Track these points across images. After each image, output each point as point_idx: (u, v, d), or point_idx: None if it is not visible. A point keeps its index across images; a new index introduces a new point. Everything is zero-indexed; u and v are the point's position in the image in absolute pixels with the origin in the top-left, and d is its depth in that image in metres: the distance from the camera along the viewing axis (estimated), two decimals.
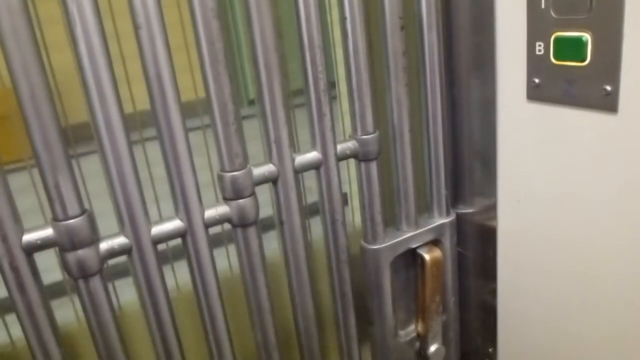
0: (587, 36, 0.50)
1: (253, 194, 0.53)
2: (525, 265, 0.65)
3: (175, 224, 0.51)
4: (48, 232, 0.46)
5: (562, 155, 0.56)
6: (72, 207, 0.45)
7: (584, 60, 0.51)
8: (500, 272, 0.69)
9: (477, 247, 0.70)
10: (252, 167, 0.53)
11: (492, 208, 0.67)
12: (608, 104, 0.50)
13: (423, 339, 0.70)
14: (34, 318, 0.47)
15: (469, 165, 0.67)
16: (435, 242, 0.68)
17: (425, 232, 0.67)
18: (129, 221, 0.49)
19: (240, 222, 0.53)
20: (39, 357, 0.48)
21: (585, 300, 0.59)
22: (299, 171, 0.56)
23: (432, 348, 0.69)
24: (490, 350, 0.73)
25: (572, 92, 0.53)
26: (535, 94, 0.57)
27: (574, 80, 0.53)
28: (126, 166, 0.47)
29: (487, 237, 0.69)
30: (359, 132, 0.59)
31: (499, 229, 0.67)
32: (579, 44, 0.51)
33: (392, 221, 0.67)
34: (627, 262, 0.53)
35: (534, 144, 0.59)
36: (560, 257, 0.60)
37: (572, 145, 0.55)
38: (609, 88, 0.50)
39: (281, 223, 0.57)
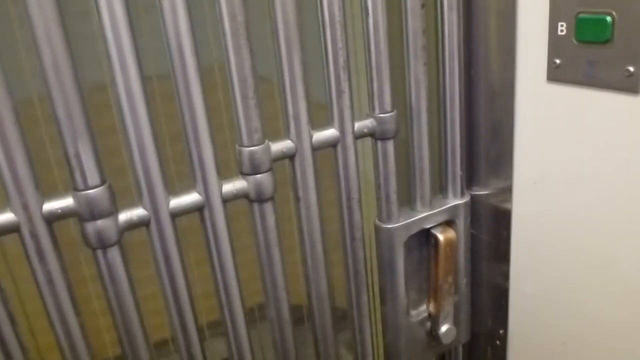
0: (611, 16, 0.50)
1: (271, 169, 0.53)
2: (539, 248, 0.65)
3: (193, 197, 0.51)
4: (68, 201, 0.46)
5: (581, 137, 0.56)
6: (93, 177, 0.45)
7: (607, 40, 0.51)
8: (513, 254, 0.69)
9: (491, 229, 0.70)
10: (269, 143, 0.53)
11: (507, 190, 0.66)
12: (630, 85, 0.50)
13: (434, 319, 0.70)
14: (53, 287, 0.47)
15: (485, 146, 0.66)
16: (449, 223, 0.68)
17: (440, 212, 0.66)
18: (147, 193, 0.49)
19: (258, 197, 0.53)
20: (57, 326, 0.49)
21: (602, 284, 0.59)
22: (316, 148, 0.56)
23: (443, 328, 0.70)
24: (500, 332, 0.74)
25: (594, 73, 0.53)
26: (556, 75, 0.56)
27: (596, 61, 0.52)
28: (146, 137, 0.47)
29: (501, 219, 0.68)
30: (377, 111, 0.59)
31: (513, 211, 0.67)
32: (603, 24, 0.50)
33: (407, 201, 0.67)
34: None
35: (552, 125, 0.58)
36: (576, 241, 0.60)
37: (592, 128, 0.55)
38: (631, 69, 0.49)
39: (297, 199, 0.57)
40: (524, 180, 0.64)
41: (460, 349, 0.79)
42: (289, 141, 0.54)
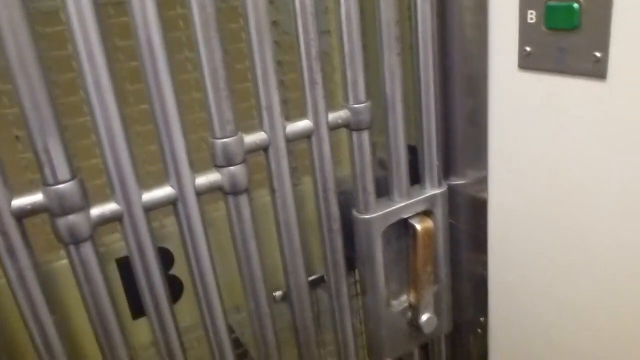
0: (578, 3, 0.50)
1: (244, 161, 0.53)
2: (516, 236, 0.65)
3: (166, 190, 0.51)
4: (38, 197, 0.45)
5: (554, 124, 0.56)
6: (62, 172, 0.45)
7: (575, 27, 0.51)
8: (490, 243, 0.69)
9: (469, 219, 0.71)
10: (243, 135, 0.53)
11: (483, 179, 0.67)
12: (598, 70, 0.50)
13: (415, 309, 0.70)
14: (25, 284, 0.47)
15: (460, 136, 0.67)
16: (427, 213, 0.68)
17: (417, 202, 0.67)
18: (119, 187, 0.48)
19: (232, 190, 0.53)
20: (31, 324, 0.48)
21: (580, 269, 0.59)
22: (290, 139, 0.56)
23: (424, 317, 0.70)
24: (481, 319, 0.74)
25: (563, 59, 0.53)
26: (527, 62, 0.57)
27: (565, 47, 0.53)
28: (116, 130, 0.47)
29: (478, 209, 0.69)
30: (351, 101, 0.59)
31: (489, 201, 0.67)
32: (571, 10, 0.51)
33: (384, 192, 0.67)
34: (621, 230, 0.54)
35: (525, 113, 0.59)
36: (551, 228, 0.61)
37: (563, 114, 0.55)
38: (598, 55, 0.50)
39: (273, 191, 0.57)
40: (499, 169, 0.64)
41: (443, 339, 0.80)
42: (262, 133, 0.54)
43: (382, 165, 0.65)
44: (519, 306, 0.69)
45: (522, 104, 0.59)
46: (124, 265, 0.56)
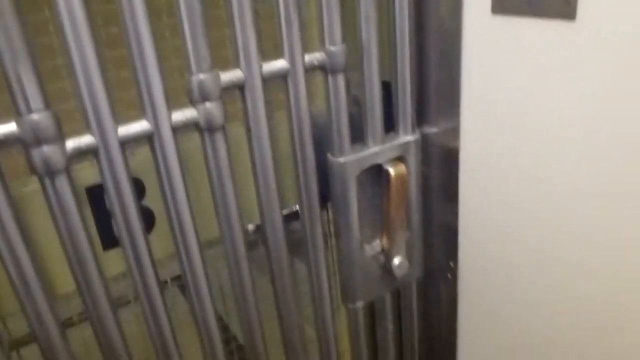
0: None
1: (220, 98, 0.53)
2: (486, 184, 0.67)
3: (142, 125, 0.51)
4: (11, 127, 0.45)
5: (526, 69, 0.57)
6: (35, 101, 0.45)
7: None
8: (461, 191, 0.71)
9: (441, 167, 0.72)
10: (219, 72, 0.53)
11: (455, 128, 0.68)
12: (568, 11, 0.51)
13: (387, 253, 0.72)
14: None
15: (434, 84, 0.68)
16: (400, 160, 0.70)
17: (391, 148, 0.68)
18: (95, 120, 0.48)
19: (208, 126, 0.53)
20: (8, 262, 0.49)
21: (547, 218, 0.61)
22: (266, 79, 0.56)
23: (396, 261, 0.72)
24: (451, 265, 0.76)
25: (535, 1, 0.54)
26: (500, 6, 0.57)
27: None
28: (91, 62, 0.46)
29: (450, 157, 0.70)
30: (327, 43, 0.59)
31: (461, 149, 0.68)
32: None
33: (359, 138, 0.68)
34: (592, 176, 0.55)
35: (498, 59, 0.59)
36: (521, 176, 0.62)
37: (535, 57, 0.56)
38: None
39: (248, 130, 0.57)
40: (471, 117, 0.65)
41: (414, 286, 0.82)
42: (238, 70, 0.55)
43: (357, 103, 0.65)
44: (488, 252, 0.71)
45: (495, 49, 0.59)
46: (95, 195, 0.56)
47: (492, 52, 0.60)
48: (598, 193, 0.54)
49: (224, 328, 0.94)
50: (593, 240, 0.57)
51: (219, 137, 0.55)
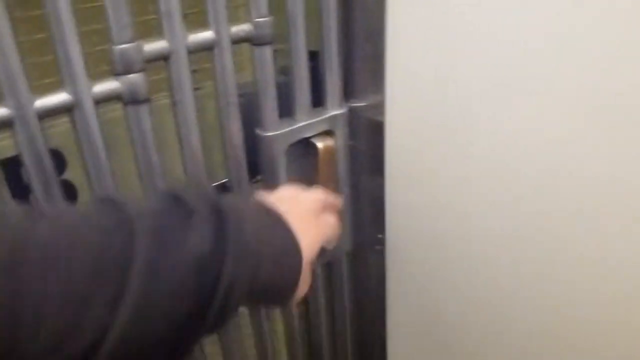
0: None
1: (144, 69, 0.52)
2: (411, 157, 0.69)
3: (61, 97, 0.49)
4: None
5: (448, 41, 0.58)
6: None
7: None
8: (388, 164, 0.73)
9: (368, 140, 0.73)
10: (143, 43, 0.52)
11: (381, 102, 0.69)
12: None
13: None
14: None
15: (361, 57, 0.69)
16: (328, 134, 0.70)
17: (319, 122, 0.68)
18: (9, 91, 0.46)
19: (131, 99, 0.52)
20: None
21: (473, 189, 0.63)
22: (192, 50, 0.55)
23: None
24: (379, 237, 0.78)
25: None
26: None
27: None
28: (3, 29, 0.44)
29: (376, 131, 0.71)
30: (253, 15, 0.59)
31: (387, 122, 0.70)
32: None
33: (287, 113, 0.68)
34: (516, 146, 0.57)
35: (421, 30, 0.60)
36: (446, 150, 0.64)
37: (457, 20, 0.56)
38: None
39: (174, 103, 0.56)
40: (396, 90, 0.67)
41: (344, 258, 0.83)
42: (163, 41, 0.53)
43: (285, 73, 0.65)
44: (415, 224, 0.73)
45: (418, 21, 0.60)
46: (10, 168, 0.54)
47: (416, 24, 0.61)
48: (525, 161, 0.57)
49: None
50: (520, 209, 0.60)
51: (144, 109, 0.53)
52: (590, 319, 0.58)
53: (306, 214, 0.51)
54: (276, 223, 0.45)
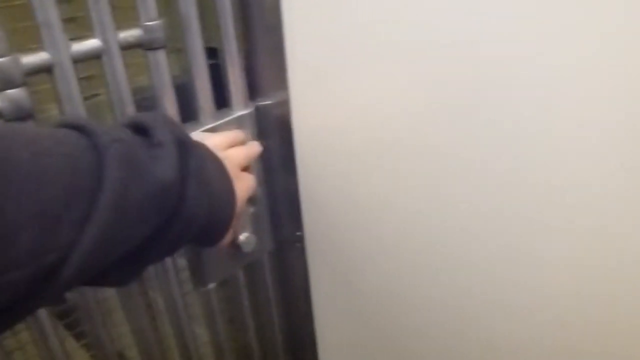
0: None
1: (25, 84, 0.49)
2: (320, 152, 0.69)
3: None
4: None
5: (346, 32, 0.58)
6: None
7: None
8: (299, 161, 0.72)
9: (277, 139, 0.72)
10: (21, 55, 0.49)
11: (286, 99, 0.68)
12: None
13: (233, 230, 0.71)
14: None
15: (262, 55, 0.68)
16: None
17: (225, 123, 0.67)
18: None
19: (14, 115, 0.49)
20: None
21: (382, 180, 0.64)
22: (78, 60, 0.53)
23: (242, 237, 0.71)
24: (298, 234, 0.78)
25: None
26: None
27: None
28: None
29: (285, 129, 0.71)
30: (143, 19, 0.57)
31: (294, 119, 0.69)
32: None
33: (191, 116, 0.66)
34: (423, 133, 0.58)
35: (315, 18, 0.59)
36: (354, 143, 0.64)
37: (355, 19, 0.56)
38: None
39: (63, 114, 0.53)
40: (300, 86, 0.66)
41: (266, 259, 0.82)
42: (43, 53, 0.50)
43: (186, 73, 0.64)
44: (331, 219, 0.73)
45: (312, 8, 0.59)
46: None
47: (311, 16, 0.60)
48: (430, 145, 0.57)
49: None
50: (431, 197, 0.61)
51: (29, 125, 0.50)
52: (503, 304, 0.60)
53: (234, 166, 0.55)
54: (220, 166, 0.51)
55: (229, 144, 0.61)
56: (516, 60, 0.46)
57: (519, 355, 0.62)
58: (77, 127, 0.40)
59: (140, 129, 0.44)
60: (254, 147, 0.66)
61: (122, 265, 0.42)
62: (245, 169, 0.62)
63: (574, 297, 0.54)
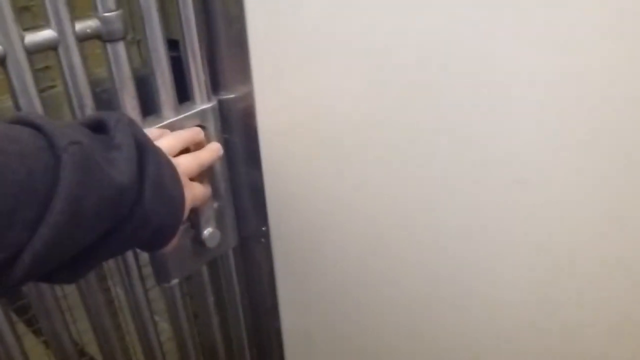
0: None
1: None
2: (284, 146, 0.68)
3: None
4: None
5: (309, 20, 0.57)
6: None
7: None
8: (264, 155, 0.72)
9: (241, 133, 0.72)
10: None
11: (250, 92, 0.68)
12: None
13: (196, 226, 0.71)
14: None
15: (225, 47, 0.67)
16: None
17: (187, 117, 0.66)
18: None
19: None
20: None
21: (343, 167, 0.64)
22: (32, 51, 0.51)
23: (206, 232, 0.71)
24: (263, 229, 0.77)
25: None
26: None
27: None
28: None
29: (249, 122, 0.70)
30: (100, 10, 0.55)
31: (258, 112, 0.69)
32: None
33: (153, 110, 0.65)
34: (381, 124, 0.58)
35: (277, 10, 0.59)
36: (316, 134, 0.64)
37: (316, 9, 0.56)
38: None
39: (18, 108, 0.52)
40: (263, 79, 0.66)
41: (231, 254, 0.82)
42: None
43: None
44: (295, 213, 0.73)
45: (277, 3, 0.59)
46: None
47: (276, 8, 0.59)
48: (391, 138, 0.57)
49: None
50: (385, 191, 0.61)
51: None
52: (465, 300, 0.60)
53: (183, 175, 0.54)
54: (174, 172, 0.50)
55: (183, 145, 0.60)
56: (466, 55, 0.47)
57: (478, 352, 0.63)
58: (34, 126, 0.39)
59: (100, 128, 0.44)
60: (211, 153, 0.65)
61: (73, 263, 0.41)
62: (201, 174, 0.62)
63: (529, 295, 0.55)
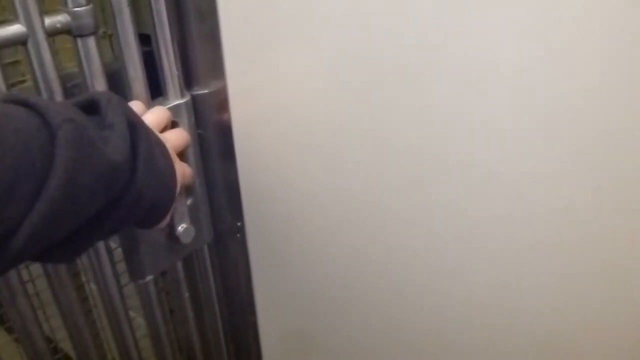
0: None
1: None
2: (258, 141, 0.69)
3: None
4: None
5: (280, 17, 0.58)
6: None
7: None
8: (238, 150, 0.72)
9: (216, 128, 0.72)
10: None
11: (223, 87, 0.68)
12: None
13: (170, 222, 0.70)
14: None
15: (198, 43, 0.67)
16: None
17: None
18: None
19: None
20: None
21: (318, 165, 0.64)
22: (0, 46, 0.51)
23: (180, 228, 0.71)
24: (238, 224, 0.78)
25: None
26: None
27: None
28: None
29: (222, 118, 0.70)
30: (70, 5, 0.55)
31: (232, 107, 0.69)
32: None
33: None
34: (354, 116, 0.58)
35: (254, 2, 0.59)
36: (289, 130, 0.64)
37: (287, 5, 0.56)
38: None
39: None
40: (236, 74, 0.66)
41: (206, 250, 0.82)
42: None
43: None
44: (270, 208, 0.73)
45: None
46: None
47: (249, 2, 0.59)
48: (366, 131, 0.58)
49: None
50: (360, 184, 0.61)
51: None
52: (443, 292, 0.61)
53: (172, 150, 0.55)
54: (164, 149, 0.52)
55: (167, 121, 0.62)
56: (442, 46, 0.47)
57: (455, 348, 0.64)
58: (28, 105, 0.40)
59: (92, 108, 0.45)
60: (185, 134, 0.67)
61: (69, 241, 0.42)
62: (180, 156, 0.62)
63: (503, 288, 0.56)
